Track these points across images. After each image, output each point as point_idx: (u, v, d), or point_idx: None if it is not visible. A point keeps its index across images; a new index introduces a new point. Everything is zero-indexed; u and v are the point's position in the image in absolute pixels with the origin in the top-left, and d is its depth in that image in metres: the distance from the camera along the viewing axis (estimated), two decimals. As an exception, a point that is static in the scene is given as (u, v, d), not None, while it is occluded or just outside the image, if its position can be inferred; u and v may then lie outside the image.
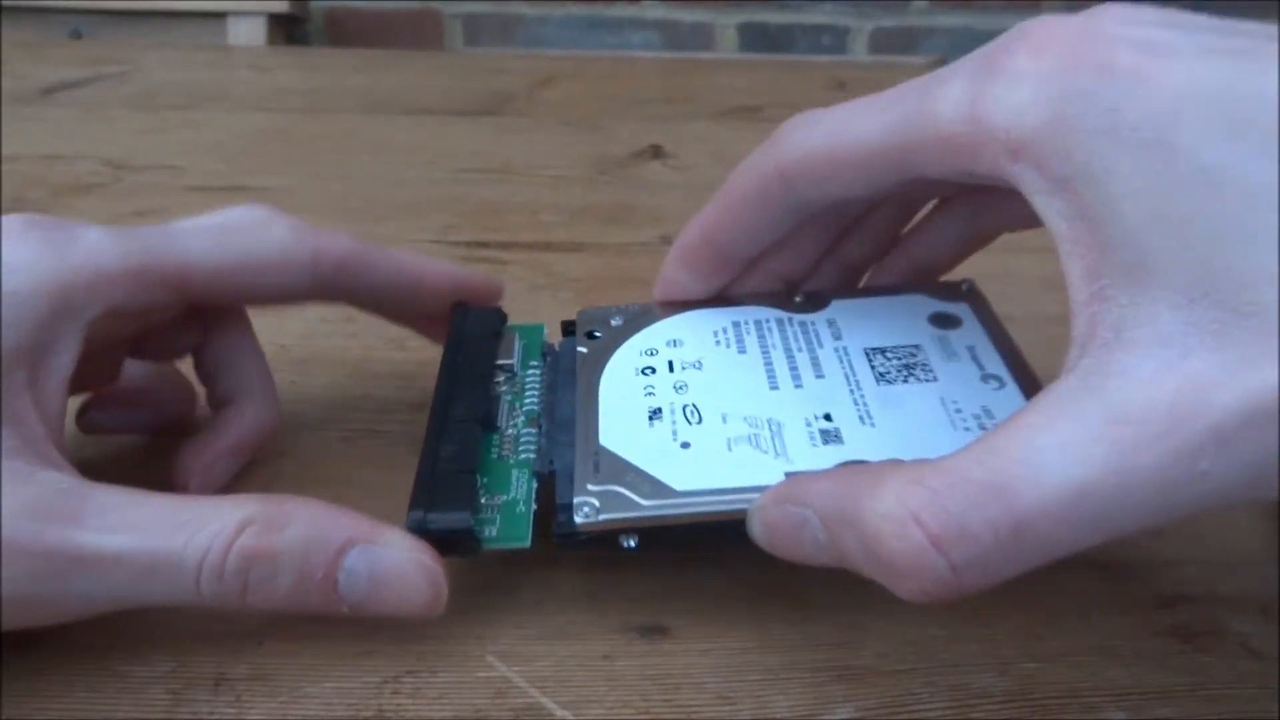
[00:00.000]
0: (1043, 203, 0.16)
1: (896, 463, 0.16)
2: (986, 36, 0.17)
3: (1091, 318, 0.15)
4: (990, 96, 0.16)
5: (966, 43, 1.02)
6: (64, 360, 0.19)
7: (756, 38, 1.14)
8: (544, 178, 0.44)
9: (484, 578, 0.20)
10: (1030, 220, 0.16)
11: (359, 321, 0.31)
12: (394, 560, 0.18)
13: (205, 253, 0.21)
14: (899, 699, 0.18)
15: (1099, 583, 0.21)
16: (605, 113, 0.54)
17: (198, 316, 0.23)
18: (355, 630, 0.19)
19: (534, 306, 0.32)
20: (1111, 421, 0.14)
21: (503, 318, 0.24)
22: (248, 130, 0.49)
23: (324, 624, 0.19)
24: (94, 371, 0.21)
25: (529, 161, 0.46)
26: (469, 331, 0.23)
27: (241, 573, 0.17)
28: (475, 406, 0.21)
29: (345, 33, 1.17)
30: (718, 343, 0.22)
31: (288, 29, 1.03)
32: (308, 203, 0.40)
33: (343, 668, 0.18)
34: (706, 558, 0.21)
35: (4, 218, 0.19)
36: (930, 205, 0.23)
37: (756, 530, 0.18)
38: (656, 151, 0.48)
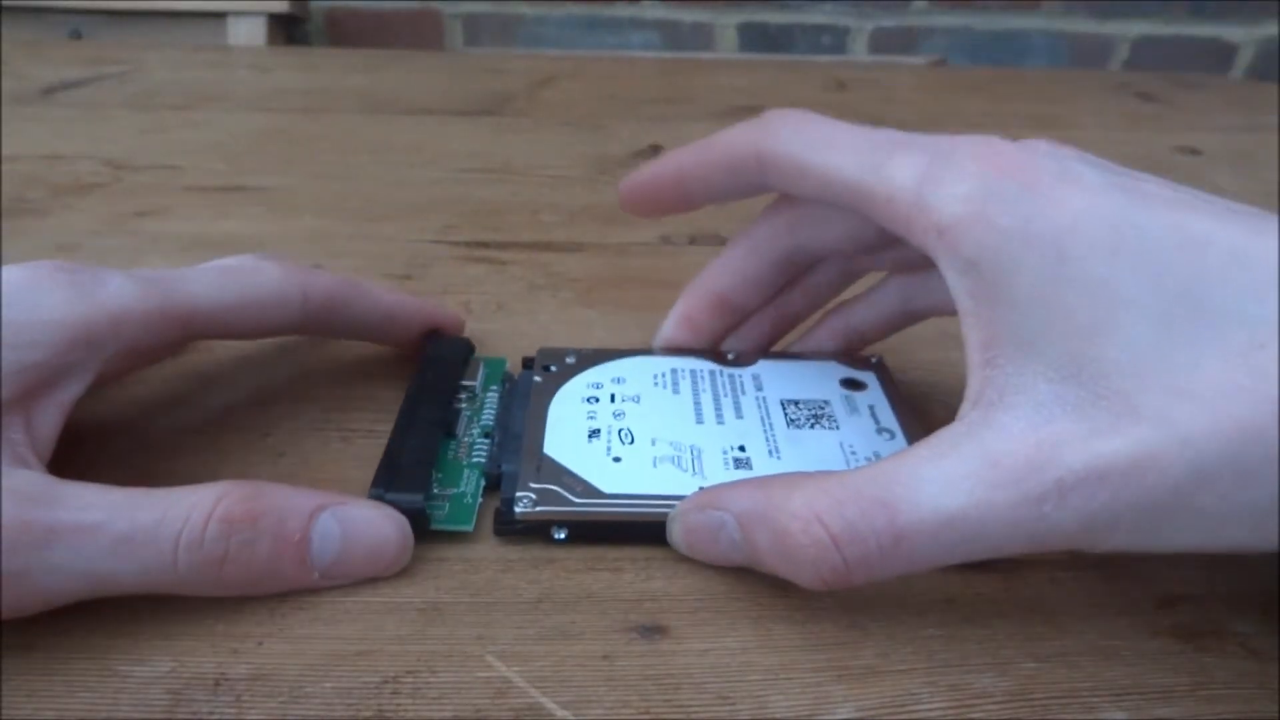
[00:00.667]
0: (953, 279, 0.18)
1: (805, 474, 0.19)
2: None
3: (983, 379, 0.18)
4: (936, 180, 0.19)
5: (966, 43, 1.02)
6: (72, 391, 0.20)
7: (756, 38, 1.14)
8: (544, 178, 0.44)
9: (484, 578, 0.20)
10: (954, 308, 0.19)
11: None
12: (364, 516, 0.20)
13: (209, 294, 0.22)
14: (899, 699, 0.18)
15: (1099, 583, 0.21)
16: (605, 113, 0.54)
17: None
18: (355, 630, 0.19)
19: (534, 306, 0.32)
20: (983, 464, 0.17)
21: (470, 347, 0.27)
22: (248, 130, 0.49)
23: (324, 624, 0.19)
24: None
25: (529, 161, 0.46)
26: (439, 355, 0.26)
27: (222, 539, 0.18)
28: (439, 414, 0.24)
29: (345, 33, 1.17)
30: (656, 383, 0.26)
31: (288, 29, 1.03)
32: (308, 203, 0.40)
33: (343, 668, 0.18)
34: (706, 558, 0.21)
35: (34, 262, 0.20)
36: (868, 278, 0.27)
37: (677, 533, 0.21)
38: (656, 151, 0.48)
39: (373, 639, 0.19)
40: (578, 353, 0.27)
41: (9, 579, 0.17)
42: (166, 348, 0.23)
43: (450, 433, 0.24)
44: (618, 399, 0.25)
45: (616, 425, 0.24)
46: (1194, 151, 0.50)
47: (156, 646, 0.18)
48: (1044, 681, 0.18)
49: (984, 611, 0.20)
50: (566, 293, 0.33)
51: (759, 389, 0.25)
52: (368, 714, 0.17)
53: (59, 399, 0.20)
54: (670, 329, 0.27)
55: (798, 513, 0.18)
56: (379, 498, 0.21)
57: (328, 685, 0.18)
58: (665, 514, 0.21)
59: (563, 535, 0.21)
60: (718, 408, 0.25)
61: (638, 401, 0.25)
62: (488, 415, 0.25)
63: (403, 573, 0.20)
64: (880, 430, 0.24)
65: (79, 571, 0.17)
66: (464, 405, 0.25)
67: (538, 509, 0.21)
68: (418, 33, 1.17)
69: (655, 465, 0.22)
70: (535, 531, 0.21)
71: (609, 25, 1.15)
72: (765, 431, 0.24)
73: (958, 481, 0.17)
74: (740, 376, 0.26)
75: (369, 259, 0.35)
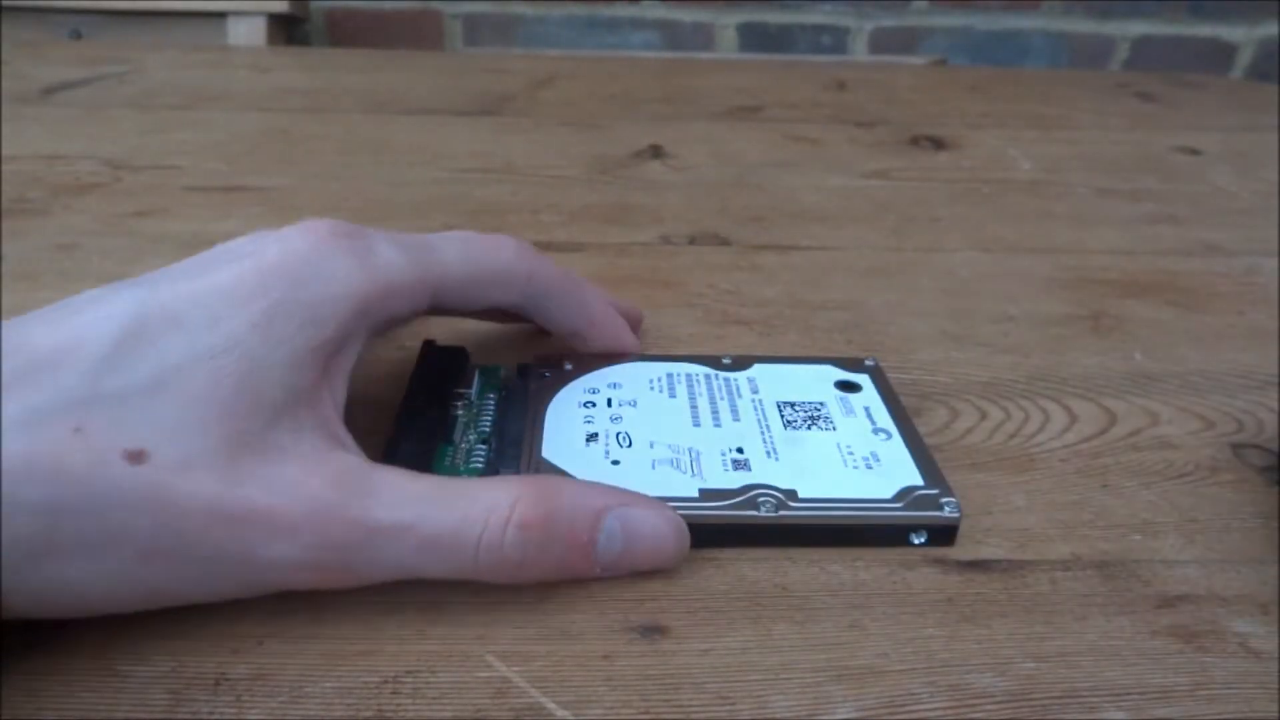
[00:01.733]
0: None
1: None
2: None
3: None
4: None
5: (966, 43, 1.02)
6: (351, 357, 0.21)
7: (756, 38, 1.14)
8: (544, 178, 0.44)
9: (484, 578, 0.20)
10: None
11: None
12: (644, 517, 0.20)
13: (457, 264, 0.23)
14: (899, 699, 0.18)
15: (1099, 583, 0.21)
16: (605, 113, 0.54)
17: None
18: (355, 630, 0.19)
19: (534, 306, 0.32)
20: None
21: (466, 356, 0.27)
22: (248, 130, 0.49)
23: (324, 624, 0.19)
24: None
25: (529, 161, 0.46)
26: (434, 365, 0.26)
27: (519, 545, 0.18)
28: (435, 421, 0.24)
29: (345, 33, 1.17)
30: (652, 388, 0.26)
31: (288, 29, 1.03)
32: (308, 203, 0.40)
33: (343, 668, 0.18)
34: (707, 558, 0.21)
35: (308, 223, 0.21)
36: None
37: None
38: (656, 151, 0.48)
39: (373, 639, 0.19)
40: (573, 359, 0.27)
41: (334, 567, 0.18)
42: (412, 314, 0.23)
43: (447, 439, 0.24)
44: (614, 403, 0.25)
45: (614, 429, 0.24)
46: (1194, 151, 0.50)
47: (157, 646, 0.18)
48: (1044, 681, 0.18)
49: (984, 611, 0.20)
50: (566, 293, 0.33)
51: (754, 392, 0.26)
52: (368, 714, 0.17)
53: (343, 367, 0.21)
54: None
55: None
56: None
57: (328, 685, 0.18)
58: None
59: None
60: (714, 410, 0.25)
61: (634, 405, 0.25)
62: (485, 421, 0.25)
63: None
64: (876, 430, 0.24)
65: (392, 565, 0.18)
66: (460, 412, 0.25)
67: None
68: (418, 33, 1.17)
69: (654, 467, 0.22)
70: None
71: (609, 25, 1.15)
72: (762, 433, 0.24)
73: None
74: (735, 380, 0.26)
75: (369, 259, 0.35)
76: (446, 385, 0.26)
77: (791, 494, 0.21)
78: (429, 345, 0.27)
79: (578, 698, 0.18)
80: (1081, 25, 1.09)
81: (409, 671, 0.18)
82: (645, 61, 0.76)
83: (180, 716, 0.17)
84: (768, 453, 0.23)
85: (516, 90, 0.57)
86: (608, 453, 0.23)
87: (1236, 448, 0.26)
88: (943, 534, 0.21)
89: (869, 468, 0.23)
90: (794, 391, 0.26)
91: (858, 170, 0.47)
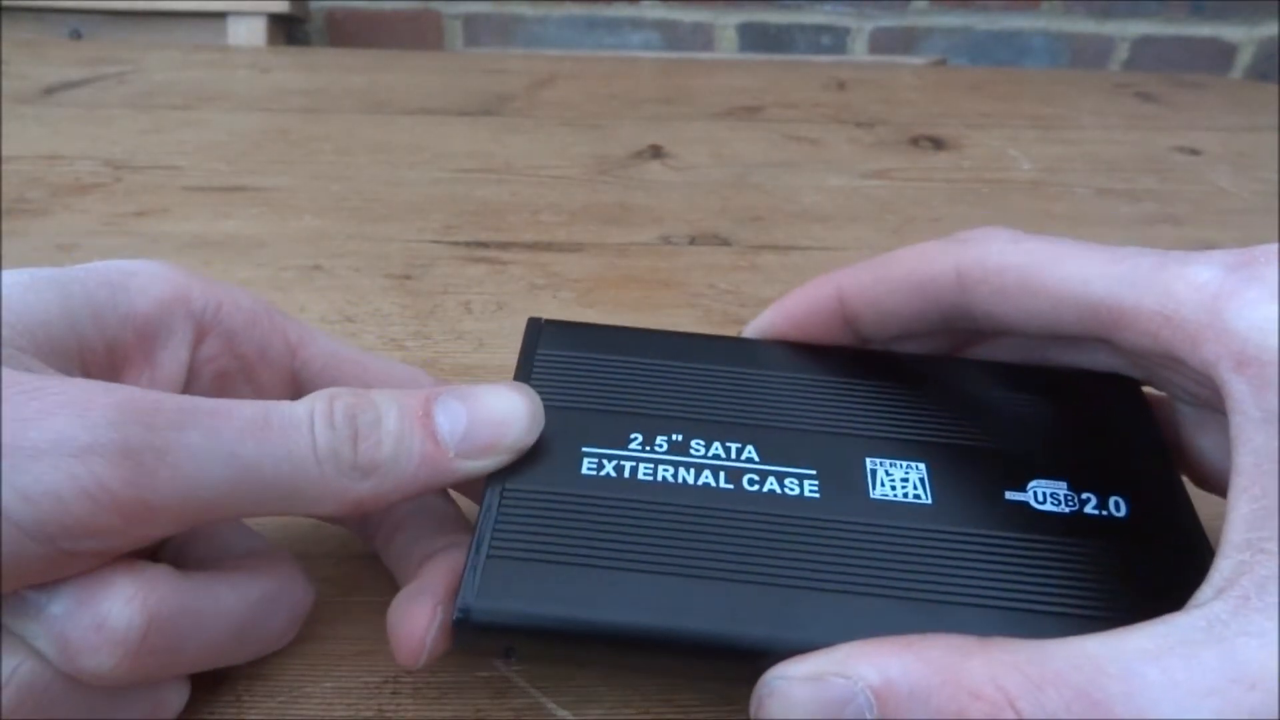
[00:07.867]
0: (1241, 425, 0.15)
1: (972, 638, 0.15)
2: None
3: (1239, 565, 0.14)
4: (1240, 298, 0.15)
5: (966, 43, 1.02)
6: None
7: (756, 38, 1.14)
8: (544, 178, 0.44)
9: (484, 578, 0.20)
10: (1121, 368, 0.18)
11: (359, 322, 0.31)
12: (484, 389, 0.18)
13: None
14: (899, 699, 0.18)
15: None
16: (605, 113, 0.54)
17: None
18: (355, 630, 0.19)
19: (534, 307, 0.32)
20: (1232, 680, 0.13)
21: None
22: (248, 130, 0.49)
23: (324, 624, 0.19)
24: None
25: (529, 161, 0.46)
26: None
27: (348, 418, 0.17)
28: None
29: (345, 33, 1.17)
30: None
31: (288, 29, 1.03)
32: (308, 203, 0.40)
33: (343, 668, 0.18)
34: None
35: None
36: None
37: (774, 710, 0.15)
38: (656, 151, 0.48)
39: (373, 639, 0.19)
40: None
41: (148, 455, 0.15)
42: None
43: None
44: None
45: None
46: (1194, 151, 0.50)
47: (156, 646, 0.18)
48: (1044, 681, 0.18)
49: (984, 611, 0.20)
50: (566, 293, 0.33)
51: None
52: (368, 714, 0.17)
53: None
54: (769, 315, 0.22)
55: (981, 690, 0.14)
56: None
57: (328, 685, 0.18)
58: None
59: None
60: None
61: None
62: None
63: (403, 573, 0.20)
64: None
65: (220, 454, 0.16)
66: None
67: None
68: (418, 33, 1.17)
69: None
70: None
71: (609, 25, 1.15)
72: None
73: (1196, 697, 0.13)
74: None
75: (369, 259, 0.35)
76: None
77: None
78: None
79: (578, 698, 0.18)
80: (1081, 25, 1.09)
81: (409, 671, 0.18)
82: (645, 61, 0.76)
83: (180, 716, 0.17)
84: None
85: (516, 90, 0.57)
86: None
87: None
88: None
89: None
90: None
91: (858, 170, 0.47)
